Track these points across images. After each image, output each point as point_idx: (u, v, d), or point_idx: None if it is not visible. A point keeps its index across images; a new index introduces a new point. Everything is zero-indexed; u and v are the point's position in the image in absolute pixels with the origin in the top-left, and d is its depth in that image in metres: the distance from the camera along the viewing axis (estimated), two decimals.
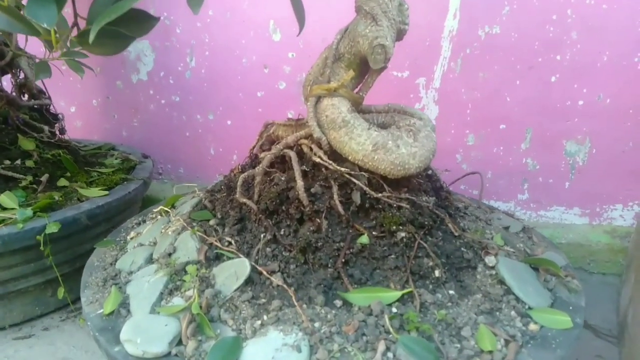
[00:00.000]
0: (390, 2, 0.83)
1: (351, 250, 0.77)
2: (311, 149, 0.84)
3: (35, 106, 1.42)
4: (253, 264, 0.77)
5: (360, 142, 0.80)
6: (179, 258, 0.83)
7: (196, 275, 0.78)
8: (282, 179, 0.85)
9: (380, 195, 0.81)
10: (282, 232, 0.81)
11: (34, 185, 1.19)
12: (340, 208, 0.80)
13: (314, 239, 0.78)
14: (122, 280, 0.84)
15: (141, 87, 1.71)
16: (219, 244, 0.82)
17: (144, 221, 1.09)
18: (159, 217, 1.06)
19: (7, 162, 1.19)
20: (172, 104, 1.71)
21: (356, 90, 0.89)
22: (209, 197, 0.98)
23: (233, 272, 0.77)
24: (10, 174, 1.17)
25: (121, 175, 1.33)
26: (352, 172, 0.81)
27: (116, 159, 1.52)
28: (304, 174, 0.84)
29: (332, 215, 0.81)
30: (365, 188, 0.81)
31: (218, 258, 0.81)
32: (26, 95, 1.39)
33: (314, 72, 0.88)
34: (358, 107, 0.89)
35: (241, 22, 1.53)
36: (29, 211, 1.08)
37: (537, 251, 0.95)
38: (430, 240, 0.81)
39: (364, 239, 0.79)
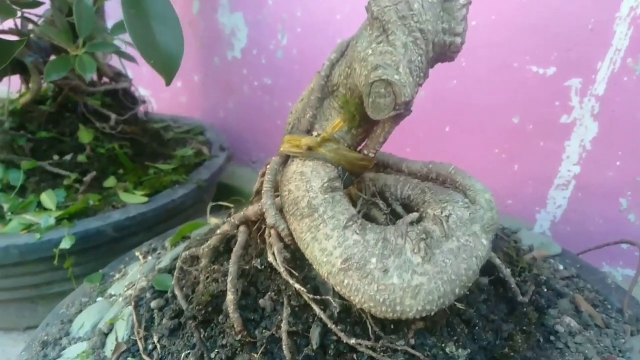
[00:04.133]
0: None
1: None
2: (270, 235, 0.53)
3: (121, 89, 1.34)
4: None
5: (327, 250, 0.46)
6: (104, 347, 0.64)
7: None
8: (233, 269, 0.56)
9: (354, 342, 0.47)
10: (213, 355, 0.54)
11: (78, 185, 1.11)
12: (286, 348, 0.49)
13: None
14: (54, 352, 0.68)
15: (235, 65, 1.53)
16: (140, 345, 0.59)
17: (157, 249, 0.92)
18: (159, 252, 0.87)
19: (56, 157, 1.13)
20: (264, 86, 1.49)
21: (361, 146, 0.54)
22: (194, 249, 0.74)
23: None
24: (56, 170, 1.10)
25: (173, 177, 1.18)
26: (312, 297, 0.48)
27: (192, 149, 1.39)
28: (257, 273, 0.55)
29: (282, 350, 0.51)
30: (329, 324, 0.48)
31: None
32: (103, 79, 1.32)
33: (296, 111, 0.56)
34: (359, 173, 0.54)
35: None
36: (51, 219, 1.00)
37: None
38: None
39: None
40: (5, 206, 1.04)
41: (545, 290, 0.69)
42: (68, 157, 1.14)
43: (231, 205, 0.98)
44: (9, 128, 1.09)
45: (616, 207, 1.02)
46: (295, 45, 1.36)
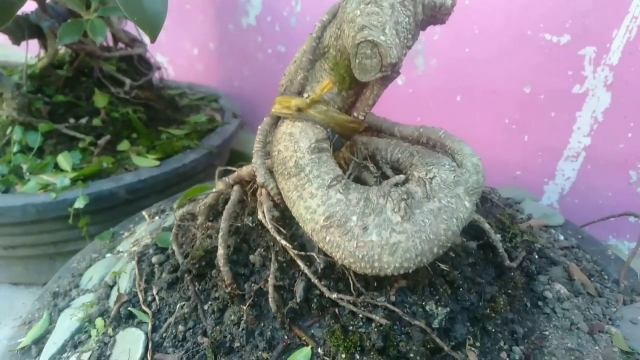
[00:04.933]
0: None
1: None
2: (261, 194, 0.55)
3: (136, 55, 1.36)
4: (149, 346, 0.56)
5: (311, 208, 0.48)
6: (109, 298, 0.67)
7: (102, 334, 0.61)
8: (225, 225, 0.58)
9: (336, 296, 0.49)
10: (206, 307, 0.57)
11: (92, 148, 1.14)
12: (272, 301, 0.51)
13: (229, 335, 0.53)
14: (64, 302, 0.72)
15: (250, 32, 1.53)
16: (141, 296, 0.63)
17: (165, 210, 0.96)
18: (166, 213, 0.91)
19: (72, 120, 1.17)
20: (278, 54, 1.49)
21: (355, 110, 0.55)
22: (192, 207, 0.76)
23: (127, 349, 0.57)
24: (72, 133, 1.14)
25: (185, 143, 1.20)
26: (298, 253, 0.50)
27: (206, 115, 1.41)
28: (250, 230, 0.57)
29: (269, 303, 0.54)
30: (313, 280, 0.50)
31: (131, 317, 0.62)
32: (119, 45, 1.34)
33: (289, 73, 0.57)
34: (348, 135, 0.55)
35: None
36: (66, 180, 1.04)
37: None
38: None
39: (301, 357, 0.50)
40: (24, 166, 1.08)
41: (538, 257, 0.70)
42: (84, 120, 1.17)
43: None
44: (27, 91, 1.12)
45: (626, 180, 1.00)
46: (308, 12, 1.35)
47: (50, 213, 1.01)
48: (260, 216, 0.53)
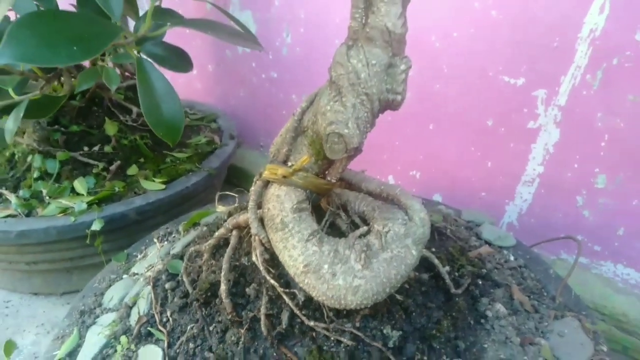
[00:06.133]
0: (366, 68, 0.58)
1: None
2: (255, 240, 0.69)
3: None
4: None
5: (293, 257, 0.62)
6: (129, 317, 0.81)
7: (126, 349, 0.76)
8: (225, 266, 0.73)
9: (313, 324, 0.64)
10: (211, 328, 0.72)
11: (105, 173, 1.28)
12: (264, 326, 0.66)
13: (230, 352, 0.67)
14: (90, 320, 0.86)
15: (245, 58, 1.66)
16: (157, 318, 0.77)
17: (172, 232, 1.10)
18: (173, 236, 1.05)
19: (86, 148, 1.30)
20: (271, 79, 1.63)
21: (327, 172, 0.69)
22: (198, 246, 0.90)
23: None
24: (86, 160, 1.27)
25: (187, 166, 1.34)
26: (283, 290, 0.65)
27: (205, 137, 1.54)
28: (246, 267, 0.71)
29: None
30: (295, 310, 0.64)
31: (150, 335, 0.77)
32: (126, 74, 1.46)
33: (276, 144, 0.71)
34: (324, 193, 0.69)
35: None
36: (83, 204, 1.17)
37: None
38: None
39: None
40: (44, 191, 1.22)
41: (484, 281, 0.84)
42: (96, 148, 1.30)
43: (236, 195, 1.15)
44: (46, 124, 1.25)
45: (573, 204, 1.15)
46: (298, 44, 1.48)
47: (69, 234, 1.15)
48: (254, 258, 0.68)
